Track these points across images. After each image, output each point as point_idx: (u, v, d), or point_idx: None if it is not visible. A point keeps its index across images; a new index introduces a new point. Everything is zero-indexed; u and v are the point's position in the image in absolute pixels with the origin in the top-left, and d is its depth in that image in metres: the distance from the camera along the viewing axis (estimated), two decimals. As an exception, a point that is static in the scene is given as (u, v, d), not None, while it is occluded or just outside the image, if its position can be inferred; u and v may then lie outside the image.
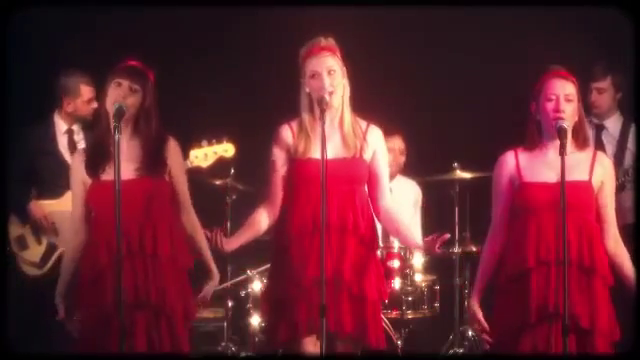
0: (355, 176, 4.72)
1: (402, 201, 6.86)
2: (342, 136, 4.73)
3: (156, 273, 4.54)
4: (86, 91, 6.37)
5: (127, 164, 4.53)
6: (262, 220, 4.76)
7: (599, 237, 4.56)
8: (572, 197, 4.41)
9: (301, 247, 4.64)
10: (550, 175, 4.51)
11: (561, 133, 4.45)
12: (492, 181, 4.69)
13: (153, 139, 4.62)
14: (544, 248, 4.46)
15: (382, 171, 4.83)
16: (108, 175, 4.52)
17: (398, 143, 6.95)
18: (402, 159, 7.00)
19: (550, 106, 4.53)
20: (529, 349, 4.45)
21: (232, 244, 4.74)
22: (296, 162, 4.72)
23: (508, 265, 4.57)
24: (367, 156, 4.76)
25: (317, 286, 4.47)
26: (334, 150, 4.66)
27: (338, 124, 4.74)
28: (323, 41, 4.74)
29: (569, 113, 4.52)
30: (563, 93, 4.54)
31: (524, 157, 4.62)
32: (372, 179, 4.80)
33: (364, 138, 4.76)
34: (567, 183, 4.38)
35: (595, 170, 4.58)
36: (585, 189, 4.55)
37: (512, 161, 4.62)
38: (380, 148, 4.82)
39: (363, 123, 4.81)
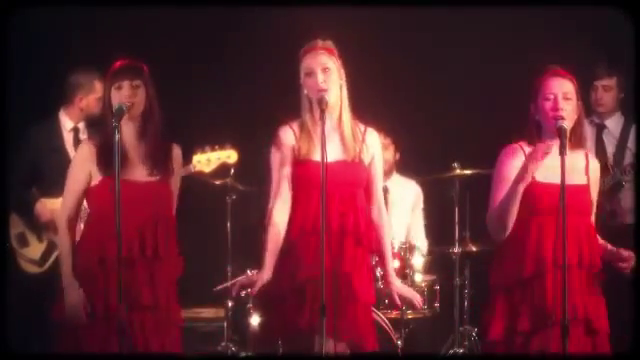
0: (355, 179, 4.71)
1: (400, 201, 6.87)
2: (341, 138, 4.71)
3: (161, 276, 4.53)
4: (100, 88, 6.32)
5: (141, 166, 4.53)
6: (280, 222, 4.68)
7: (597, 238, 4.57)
8: (577, 200, 4.41)
9: (299, 248, 4.63)
10: (555, 176, 4.40)
11: (561, 133, 4.40)
12: (496, 169, 4.57)
13: (160, 140, 4.59)
14: (551, 250, 4.41)
15: (378, 177, 4.83)
16: (122, 174, 4.41)
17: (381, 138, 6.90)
18: (388, 154, 6.88)
19: (548, 105, 4.50)
20: (538, 350, 4.41)
21: (267, 272, 4.69)
22: (297, 164, 4.70)
23: (512, 267, 4.49)
24: (366, 159, 4.76)
25: (312, 286, 4.49)
26: (334, 152, 4.63)
27: (337, 125, 4.71)
28: (320, 42, 4.74)
29: (568, 111, 4.48)
30: (561, 92, 4.50)
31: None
32: (367, 184, 4.78)
33: (363, 141, 4.75)
34: (571, 187, 4.38)
35: (590, 172, 4.58)
36: (585, 192, 4.54)
37: (520, 155, 4.50)
38: (378, 153, 4.83)
39: (361, 126, 4.80)
